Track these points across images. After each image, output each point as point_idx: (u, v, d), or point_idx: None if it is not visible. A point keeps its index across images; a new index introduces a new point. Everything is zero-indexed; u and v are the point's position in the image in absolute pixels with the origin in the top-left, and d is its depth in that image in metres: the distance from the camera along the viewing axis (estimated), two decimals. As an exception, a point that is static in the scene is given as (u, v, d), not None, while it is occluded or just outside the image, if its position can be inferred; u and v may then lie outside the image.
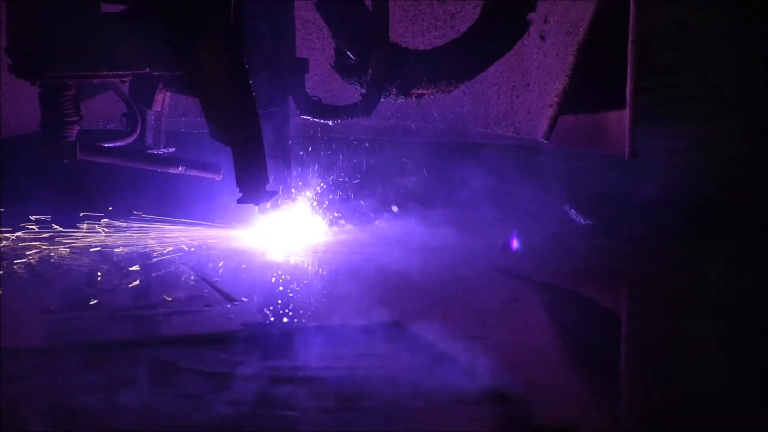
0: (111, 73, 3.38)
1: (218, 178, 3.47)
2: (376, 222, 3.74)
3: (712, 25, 5.70)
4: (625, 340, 3.71)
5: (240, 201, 3.33)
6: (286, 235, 3.61)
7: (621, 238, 3.92)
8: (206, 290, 3.81)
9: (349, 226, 3.70)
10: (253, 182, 3.26)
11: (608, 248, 3.92)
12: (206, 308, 3.62)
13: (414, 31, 3.61)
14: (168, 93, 3.60)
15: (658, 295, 4.04)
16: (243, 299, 3.60)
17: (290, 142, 3.47)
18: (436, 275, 3.95)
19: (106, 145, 3.86)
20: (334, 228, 3.66)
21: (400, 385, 3.00)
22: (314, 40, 3.58)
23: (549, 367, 3.32)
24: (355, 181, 3.70)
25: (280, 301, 3.73)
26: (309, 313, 3.55)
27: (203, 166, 3.51)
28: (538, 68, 3.65)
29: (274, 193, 3.34)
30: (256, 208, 3.45)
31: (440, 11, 3.64)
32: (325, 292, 3.71)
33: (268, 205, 3.45)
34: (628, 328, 3.89)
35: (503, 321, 3.79)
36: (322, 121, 3.43)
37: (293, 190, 3.54)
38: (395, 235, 3.77)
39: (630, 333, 3.80)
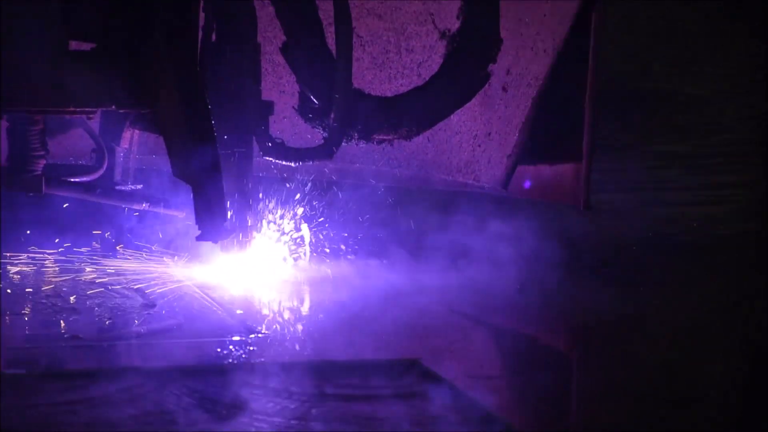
0: (77, 109, 3.27)
1: (181, 215, 3.40)
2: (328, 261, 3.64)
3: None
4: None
5: (198, 238, 3.24)
6: (243, 270, 3.50)
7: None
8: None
9: (302, 263, 3.60)
10: (212, 220, 3.17)
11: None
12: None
13: (381, 78, 3.54)
14: (136, 130, 3.47)
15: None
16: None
17: (251, 182, 3.35)
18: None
19: (72, 180, 3.55)
20: (289, 265, 3.57)
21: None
22: (284, 84, 3.51)
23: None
24: (312, 223, 3.57)
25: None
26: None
27: (167, 203, 3.42)
28: (500, 118, 3.58)
29: (232, 231, 3.27)
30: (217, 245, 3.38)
31: (407, 59, 3.58)
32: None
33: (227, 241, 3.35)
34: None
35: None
36: (284, 162, 3.33)
37: (251, 228, 3.40)
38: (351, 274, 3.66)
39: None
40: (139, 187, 3.52)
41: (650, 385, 3.09)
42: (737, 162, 5.35)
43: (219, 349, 3.26)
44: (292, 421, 2.73)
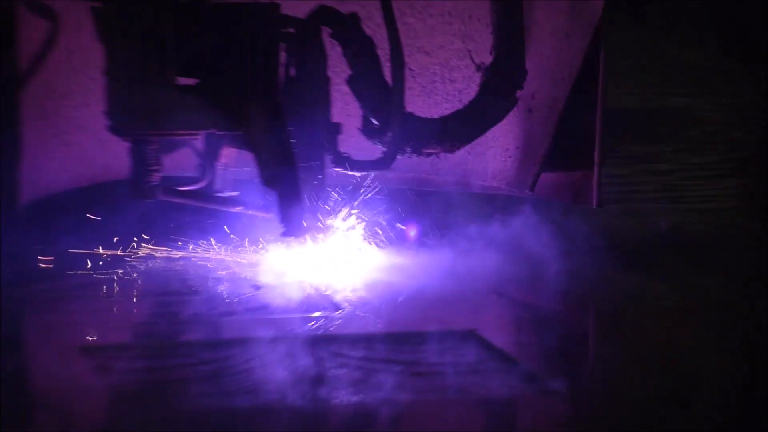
0: (185, 132, 3.59)
1: (268, 216, 3.62)
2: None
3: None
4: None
5: (282, 234, 3.51)
6: (324, 259, 3.76)
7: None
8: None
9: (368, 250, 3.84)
10: (292, 220, 3.45)
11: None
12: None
13: (429, 103, 3.80)
14: (232, 148, 3.73)
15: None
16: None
17: (326, 188, 3.62)
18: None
19: (181, 189, 3.77)
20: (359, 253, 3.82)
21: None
22: (350, 109, 3.69)
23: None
24: (374, 218, 3.81)
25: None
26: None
27: (257, 207, 3.69)
28: (526, 135, 3.84)
29: (309, 229, 3.53)
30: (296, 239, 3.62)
31: (450, 88, 3.82)
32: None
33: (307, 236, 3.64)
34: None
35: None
36: (350, 172, 3.62)
37: (324, 225, 3.69)
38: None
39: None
40: (235, 193, 3.75)
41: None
42: (739, 169, 5.42)
43: (314, 322, 3.44)
44: (370, 379, 2.93)
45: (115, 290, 3.83)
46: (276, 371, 2.95)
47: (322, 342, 3.24)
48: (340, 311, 3.55)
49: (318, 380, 2.91)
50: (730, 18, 7.73)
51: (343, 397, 2.84)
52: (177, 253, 3.97)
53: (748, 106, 6.09)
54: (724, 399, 3.08)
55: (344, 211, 3.86)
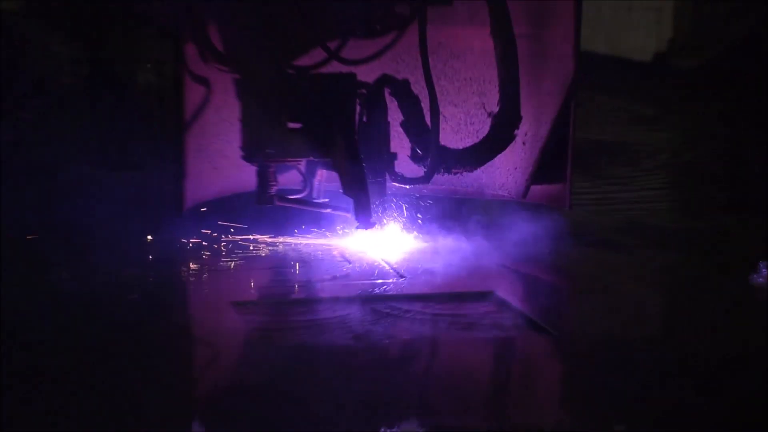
0: (292, 159, 3.80)
1: (348, 215, 3.79)
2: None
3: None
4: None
5: (357, 227, 3.71)
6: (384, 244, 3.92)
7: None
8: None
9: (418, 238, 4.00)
10: (364, 218, 3.67)
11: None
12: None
13: (456, 139, 3.94)
14: (324, 169, 3.91)
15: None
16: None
17: (387, 195, 3.79)
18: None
19: (290, 197, 3.90)
20: (410, 239, 3.98)
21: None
22: (403, 143, 3.80)
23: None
24: (418, 216, 3.96)
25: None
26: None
27: (340, 209, 3.87)
28: (521, 159, 4.00)
29: (375, 223, 3.70)
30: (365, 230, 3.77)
31: (471, 129, 3.96)
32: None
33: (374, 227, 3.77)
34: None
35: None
36: (403, 186, 3.81)
37: (386, 221, 3.88)
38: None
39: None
40: (326, 200, 3.90)
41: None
42: (679, 183, 5.64)
43: (383, 287, 3.59)
44: (421, 322, 3.20)
45: (249, 264, 3.90)
46: (358, 319, 3.19)
47: (389, 299, 3.43)
48: (402, 278, 3.68)
49: (385, 321, 3.20)
50: (668, 82, 7.95)
51: (401, 334, 3.12)
52: (289, 240, 4.09)
53: (681, 140, 6.43)
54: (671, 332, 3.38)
55: (399, 211, 4.02)
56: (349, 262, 3.85)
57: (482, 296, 3.46)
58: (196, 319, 3.47)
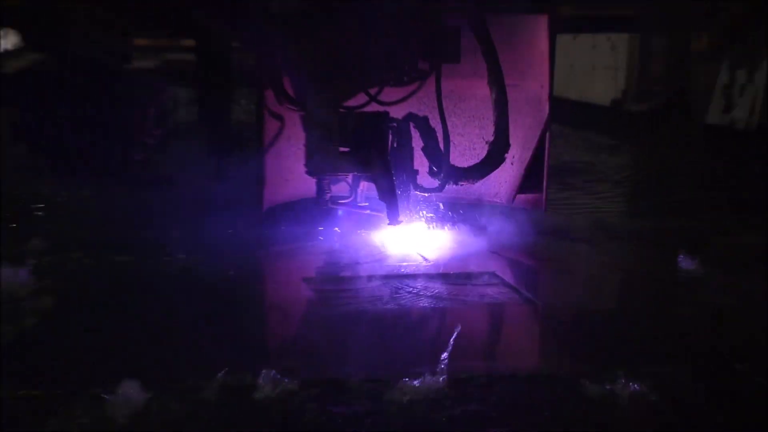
0: (341, 174, 3.75)
1: (382, 215, 3.71)
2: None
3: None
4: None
5: (388, 224, 3.68)
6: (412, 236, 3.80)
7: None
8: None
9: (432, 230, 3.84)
10: (393, 218, 3.64)
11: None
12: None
13: (462, 160, 3.87)
14: (364, 180, 3.81)
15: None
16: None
17: (410, 200, 3.70)
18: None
19: (341, 201, 3.82)
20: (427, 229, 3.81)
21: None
22: (423, 162, 3.74)
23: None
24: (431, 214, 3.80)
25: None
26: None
27: (377, 210, 3.78)
28: (510, 175, 4.05)
29: (401, 222, 3.64)
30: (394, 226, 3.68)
31: (473, 152, 3.96)
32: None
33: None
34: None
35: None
36: (423, 194, 3.76)
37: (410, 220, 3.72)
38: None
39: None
40: (366, 203, 3.83)
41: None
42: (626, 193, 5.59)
43: (413, 267, 3.59)
44: (437, 291, 3.26)
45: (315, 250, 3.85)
46: (395, 287, 3.29)
47: (417, 276, 3.47)
48: (426, 261, 3.66)
49: (414, 292, 3.27)
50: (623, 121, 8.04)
51: (429, 300, 3.19)
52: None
53: (633, 162, 6.58)
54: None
55: (420, 213, 3.89)
56: (386, 248, 3.79)
57: (485, 275, 3.50)
58: (278, 288, 3.61)
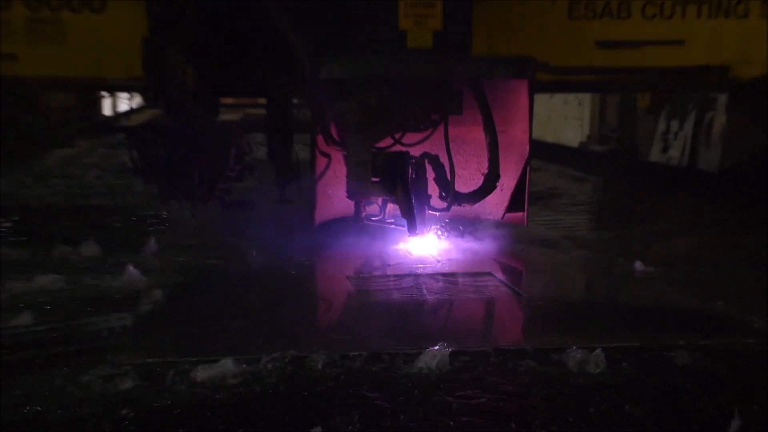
0: (373, 197, 3.64)
1: (405, 228, 3.58)
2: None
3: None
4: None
5: (409, 235, 3.61)
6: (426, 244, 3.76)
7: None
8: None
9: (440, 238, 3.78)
10: (413, 231, 3.54)
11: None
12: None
13: (464, 187, 3.80)
14: (391, 203, 3.68)
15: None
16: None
17: (425, 217, 3.57)
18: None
19: (372, 218, 3.74)
20: (438, 239, 3.79)
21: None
22: (434, 190, 3.68)
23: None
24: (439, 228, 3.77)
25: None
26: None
27: (402, 224, 3.63)
28: (500, 198, 3.94)
29: (419, 233, 3.56)
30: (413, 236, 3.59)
31: (471, 182, 3.82)
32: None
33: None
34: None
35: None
36: (434, 213, 3.73)
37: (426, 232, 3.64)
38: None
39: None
40: (392, 220, 3.72)
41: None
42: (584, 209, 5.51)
43: (428, 267, 3.56)
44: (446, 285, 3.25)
45: (354, 253, 3.77)
46: (411, 285, 3.25)
47: (432, 274, 3.44)
48: (439, 262, 3.65)
49: (428, 286, 3.23)
50: (588, 159, 8.06)
51: (440, 292, 3.19)
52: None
53: (595, 189, 6.54)
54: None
55: (433, 227, 3.86)
56: (408, 253, 3.76)
57: (483, 274, 3.47)
58: (326, 283, 3.61)
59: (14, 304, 2.68)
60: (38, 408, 1.86)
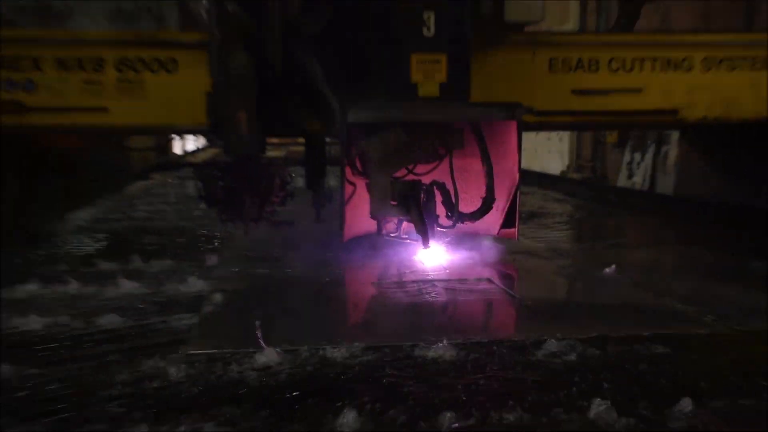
0: (392, 217, 3.58)
1: (418, 243, 3.53)
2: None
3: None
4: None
5: (423, 248, 3.54)
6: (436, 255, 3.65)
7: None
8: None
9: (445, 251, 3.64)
10: (425, 244, 3.50)
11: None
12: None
13: (466, 208, 3.70)
14: (406, 222, 3.62)
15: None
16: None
17: (434, 235, 3.50)
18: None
19: (391, 235, 3.69)
20: (445, 251, 3.67)
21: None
22: (441, 211, 3.60)
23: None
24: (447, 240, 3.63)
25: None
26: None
27: (418, 240, 3.53)
28: (495, 216, 3.80)
29: (429, 246, 3.50)
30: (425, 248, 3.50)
31: (472, 204, 3.74)
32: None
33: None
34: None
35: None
36: (442, 229, 3.67)
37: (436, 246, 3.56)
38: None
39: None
40: (407, 236, 3.68)
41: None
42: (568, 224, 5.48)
43: (438, 274, 3.48)
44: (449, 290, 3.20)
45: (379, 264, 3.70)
46: (424, 288, 3.19)
47: (441, 279, 3.33)
48: (447, 270, 3.58)
49: (439, 290, 3.17)
50: (566, 184, 7.92)
51: (446, 294, 3.13)
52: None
53: (573, 210, 6.33)
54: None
55: (441, 241, 3.77)
56: (421, 263, 3.68)
57: (483, 279, 3.39)
58: (355, 288, 3.54)
59: (104, 305, 2.72)
60: (126, 388, 1.92)
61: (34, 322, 2.39)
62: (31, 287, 2.90)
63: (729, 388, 1.87)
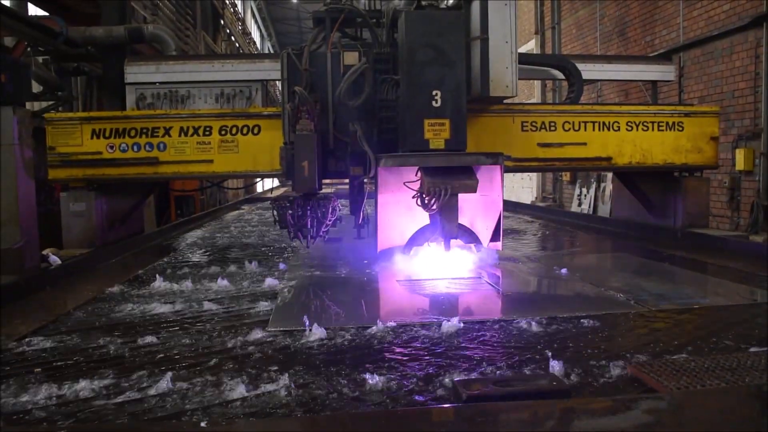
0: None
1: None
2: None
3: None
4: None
5: (445, 250, 3.33)
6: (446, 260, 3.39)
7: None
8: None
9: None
10: (447, 244, 3.31)
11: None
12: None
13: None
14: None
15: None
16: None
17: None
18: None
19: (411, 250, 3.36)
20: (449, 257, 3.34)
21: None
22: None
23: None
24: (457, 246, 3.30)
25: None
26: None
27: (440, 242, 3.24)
28: (485, 233, 3.63)
29: (451, 248, 3.22)
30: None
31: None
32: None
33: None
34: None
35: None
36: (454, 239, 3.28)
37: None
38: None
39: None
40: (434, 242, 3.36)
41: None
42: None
43: (446, 275, 3.27)
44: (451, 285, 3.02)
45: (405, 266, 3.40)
46: (437, 284, 3.02)
47: (446, 278, 3.17)
48: (451, 271, 3.33)
49: (442, 287, 2.91)
50: (534, 210, 7.66)
51: (451, 288, 3.01)
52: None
53: (543, 227, 6.00)
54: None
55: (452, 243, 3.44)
56: (434, 266, 3.41)
57: (476, 277, 3.24)
58: (385, 285, 3.34)
59: (207, 297, 2.71)
60: (221, 355, 1.91)
61: (161, 308, 2.46)
62: (157, 284, 2.91)
63: (648, 348, 1.88)
